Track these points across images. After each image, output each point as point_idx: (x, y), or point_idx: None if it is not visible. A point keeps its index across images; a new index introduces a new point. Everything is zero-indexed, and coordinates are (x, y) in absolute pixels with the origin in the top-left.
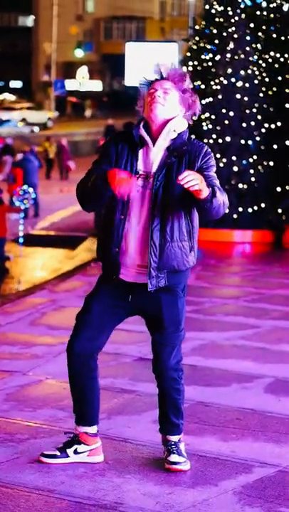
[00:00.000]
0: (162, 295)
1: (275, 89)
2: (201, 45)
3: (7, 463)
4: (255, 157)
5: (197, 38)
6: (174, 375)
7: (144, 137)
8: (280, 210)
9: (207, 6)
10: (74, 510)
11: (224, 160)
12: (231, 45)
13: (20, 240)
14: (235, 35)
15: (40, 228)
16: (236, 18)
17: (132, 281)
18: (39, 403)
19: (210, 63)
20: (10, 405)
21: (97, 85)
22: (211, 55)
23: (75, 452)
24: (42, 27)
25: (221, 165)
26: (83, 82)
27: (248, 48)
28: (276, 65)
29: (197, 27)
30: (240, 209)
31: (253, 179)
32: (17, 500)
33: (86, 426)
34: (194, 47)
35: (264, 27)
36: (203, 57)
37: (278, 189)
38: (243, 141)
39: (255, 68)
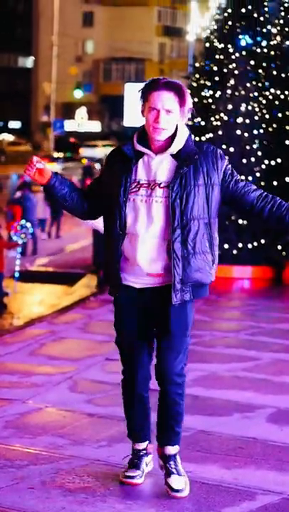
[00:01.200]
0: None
1: (275, 125)
2: (201, 82)
3: (7, 488)
4: None
5: (197, 76)
6: (178, 381)
7: (140, 150)
8: (279, 247)
9: (207, 44)
10: None
11: None
12: (232, 82)
13: (16, 275)
14: (236, 72)
15: (38, 265)
16: (237, 54)
17: (144, 287)
18: (39, 430)
19: (210, 100)
20: (9, 432)
21: (95, 126)
22: (211, 92)
23: (146, 465)
24: (41, 67)
25: None
26: (82, 122)
27: (248, 84)
28: (276, 102)
29: (197, 64)
30: (240, 245)
31: None
32: None
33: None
34: (194, 84)
35: (264, 64)
36: (203, 94)
37: None
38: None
39: (255, 105)
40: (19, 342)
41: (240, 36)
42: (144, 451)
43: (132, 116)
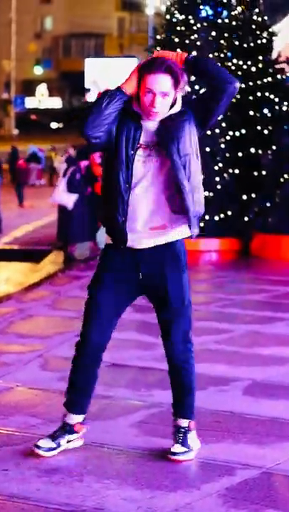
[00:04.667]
0: (168, 272)
1: (238, 96)
2: None
3: None
4: (220, 165)
5: (158, 48)
6: (184, 348)
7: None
8: (246, 218)
9: (168, 16)
10: None
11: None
12: (194, 53)
13: None
14: (198, 43)
15: (4, 243)
16: (198, 25)
17: (144, 247)
18: (10, 410)
19: None
20: None
21: (56, 102)
22: None
23: (68, 441)
24: (1, 45)
25: None
26: (43, 99)
27: (210, 56)
28: (239, 73)
29: (158, 37)
30: (207, 217)
31: (218, 187)
32: None
33: (80, 414)
34: None
35: (226, 35)
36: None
37: (244, 197)
38: (208, 149)
39: None
40: None
41: (201, 7)
42: (71, 427)
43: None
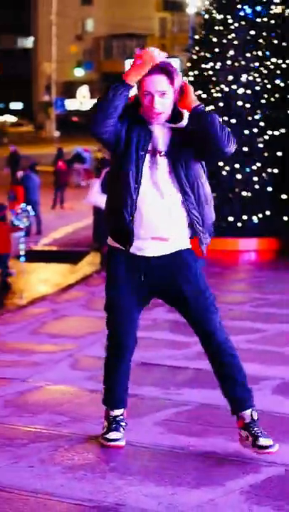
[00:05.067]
0: (179, 278)
1: (277, 95)
2: (201, 54)
3: (6, 467)
4: (258, 164)
5: (197, 48)
6: (225, 335)
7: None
8: (285, 218)
9: (207, 15)
10: None
11: (227, 168)
12: (231, 52)
13: (22, 257)
14: (236, 42)
15: (43, 244)
16: (236, 24)
17: (148, 255)
18: (38, 408)
19: (210, 72)
20: (9, 411)
21: None
22: (211, 64)
23: (123, 429)
24: (41, 48)
25: (224, 173)
26: (84, 101)
27: (248, 55)
28: (278, 71)
29: (197, 36)
30: (245, 217)
31: (257, 187)
32: (15, 503)
33: (123, 409)
34: (194, 56)
35: (264, 33)
36: (203, 66)
37: (283, 196)
38: (246, 149)
39: (256, 75)
40: (21, 321)
41: (239, 6)
42: (122, 417)
43: (134, 92)
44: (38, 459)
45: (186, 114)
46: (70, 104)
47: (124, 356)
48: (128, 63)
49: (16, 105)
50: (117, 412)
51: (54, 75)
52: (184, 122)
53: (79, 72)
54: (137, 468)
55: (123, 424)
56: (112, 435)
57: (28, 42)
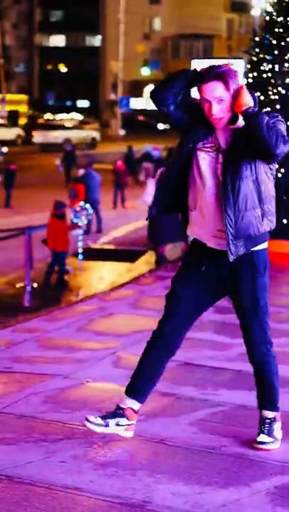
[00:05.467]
0: (241, 275)
1: None
2: (261, 56)
3: (38, 462)
4: None
5: (257, 50)
6: (262, 349)
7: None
8: None
9: (267, 17)
10: (100, 508)
11: (282, 170)
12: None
13: (80, 255)
14: None
15: (102, 243)
16: None
17: (213, 247)
18: (77, 405)
19: (269, 74)
20: (48, 407)
21: None
22: (270, 66)
23: (117, 424)
24: (109, 46)
25: (280, 175)
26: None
27: None
28: None
29: (257, 38)
30: None
31: None
32: (43, 498)
33: (134, 400)
34: (254, 58)
35: None
36: (262, 68)
37: None
38: None
39: None
40: (68, 318)
41: None
42: (122, 410)
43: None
44: (70, 454)
45: (240, 117)
46: (136, 103)
47: (164, 349)
48: (194, 63)
49: (83, 103)
50: (126, 401)
51: (121, 74)
52: (240, 123)
53: (146, 72)
54: (168, 466)
55: (119, 420)
56: (91, 417)
57: (96, 40)
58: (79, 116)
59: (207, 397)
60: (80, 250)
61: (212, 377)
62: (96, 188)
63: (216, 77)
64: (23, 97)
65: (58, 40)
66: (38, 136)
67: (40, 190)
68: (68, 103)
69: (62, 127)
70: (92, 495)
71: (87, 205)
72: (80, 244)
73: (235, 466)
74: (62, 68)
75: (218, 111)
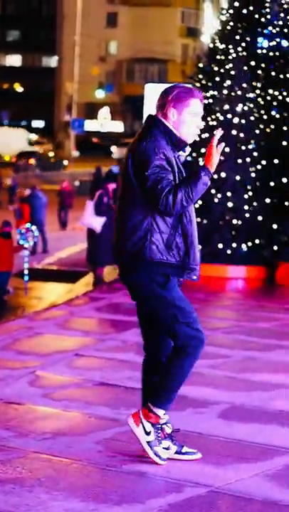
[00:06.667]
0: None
1: (272, 126)
2: (203, 82)
3: None
4: (250, 193)
5: (200, 76)
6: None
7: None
8: (275, 247)
9: (211, 44)
10: None
11: (219, 196)
12: (228, 82)
13: (26, 276)
14: (233, 72)
15: (46, 263)
16: (234, 55)
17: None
18: None
19: (210, 100)
20: None
21: (118, 126)
22: (212, 92)
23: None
24: (65, 67)
25: (216, 200)
26: (105, 122)
27: (244, 85)
28: (274, 103)
29: (201, 65)
30: (234, 245)
31: (247, 215)
32: None
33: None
34: (198, 84)
35: (263, 65)
36: (204, 94)
37: (274, 226)
38: (238, 178)
39: (252, 105)
40: None
41: (237, 37)
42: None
43: None
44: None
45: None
46: (90, 125)
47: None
48: (148, 87)
49: (38, 123)
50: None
51: (76, 96)
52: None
53: (100, 94)
54: (66, 484)
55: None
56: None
57: (53, 61)
58: (34, 136)
59: (119, 416)
60: (25, 271)
61: (127, 397)
62: (41, 209)
63: (201, 94)
64: None
65: (14, 60)
66: None
67: None
68: (23, 123)
69: None
70: None
71: (34, 227)
72: (25, 265)
73: (133, 483)
74: (18, 88)
75: None
